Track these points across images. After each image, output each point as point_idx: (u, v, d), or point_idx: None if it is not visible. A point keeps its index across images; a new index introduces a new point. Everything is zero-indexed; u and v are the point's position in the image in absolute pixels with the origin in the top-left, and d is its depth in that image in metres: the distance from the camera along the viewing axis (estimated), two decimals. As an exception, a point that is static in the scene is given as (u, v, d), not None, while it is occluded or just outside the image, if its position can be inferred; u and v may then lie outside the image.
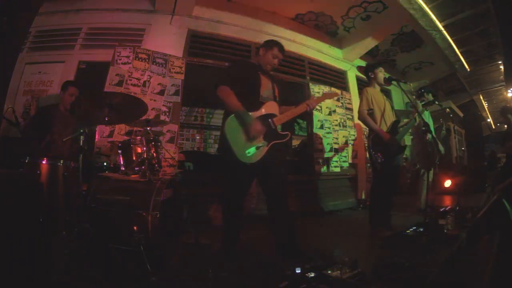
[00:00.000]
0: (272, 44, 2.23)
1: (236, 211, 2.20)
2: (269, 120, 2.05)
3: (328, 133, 4.82)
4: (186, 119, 6.28)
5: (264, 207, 2.19)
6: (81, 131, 1.87)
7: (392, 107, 3.03)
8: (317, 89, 4.79)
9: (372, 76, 3.03)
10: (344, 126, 5.12)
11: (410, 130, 3.47)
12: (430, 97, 3.80)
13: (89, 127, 2.09)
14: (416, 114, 2.88)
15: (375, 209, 2.88)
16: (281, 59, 2.27)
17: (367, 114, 2.87)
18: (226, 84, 2.04)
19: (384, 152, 2.71)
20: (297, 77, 4.76)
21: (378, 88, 3.04)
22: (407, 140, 5.42)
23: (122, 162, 2.28)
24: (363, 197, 4.96)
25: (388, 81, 2.96)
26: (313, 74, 5.00)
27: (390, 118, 2.90)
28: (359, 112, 2.95)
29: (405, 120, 3.12)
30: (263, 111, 2.06)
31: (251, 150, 1.96)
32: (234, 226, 2.21)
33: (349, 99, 5.36)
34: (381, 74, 2.99)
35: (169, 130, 3.54)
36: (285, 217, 2.11)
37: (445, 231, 2.53)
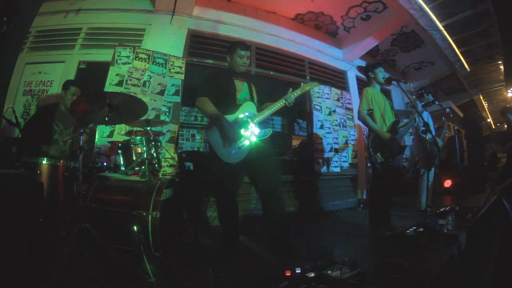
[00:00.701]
0: (234, 46, 2.30)
1: (230, 211, 2.22)
2: (247, 119, 2.11)
3: (328, 133, 4.82)
4: (186, 119, 6.28)
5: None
6: (81, 131, 1.87)
7: (392, 107, 3.03)
8: (317, 89, 4.79)
9: (372, 76, 3.03)
10: (344, 126, 5.12)
11: (410, 130, 3.47)
12: (429, 98, 3.80)
13: (89, 127, 2.09)
14: (416, 114, 2.88)
15: (375, 209, 2.88)
16: (249, 56, 2.34)
17: (367, 114, 2.87)
18: (204, 95, 2.16)
19: (384, 152, 2.72)
20: (297, 77, 4.75)
21: (378, 88, 3.04)
22: (407, 140, 5.42)
23: (122, 162, 2.29)
24: (363, 197, 4.97)
25: (388, 81, 2.96)
26: (313, 74, 5.00)
27: (390, 118, 2.90)
28: (359, 112, 2.95)
29: (405, 120, 3.12)
30: (241, 113, 2.16)
31: (234, 151, 2.07)
32: (231, 226, 2.22)
33: (349, 99, 5.36)
34: (381, 74, 2.99)
35: (169, 130, 3.55)
36: (281, 213, 2.15)
37: (445, 231, 2.53)
